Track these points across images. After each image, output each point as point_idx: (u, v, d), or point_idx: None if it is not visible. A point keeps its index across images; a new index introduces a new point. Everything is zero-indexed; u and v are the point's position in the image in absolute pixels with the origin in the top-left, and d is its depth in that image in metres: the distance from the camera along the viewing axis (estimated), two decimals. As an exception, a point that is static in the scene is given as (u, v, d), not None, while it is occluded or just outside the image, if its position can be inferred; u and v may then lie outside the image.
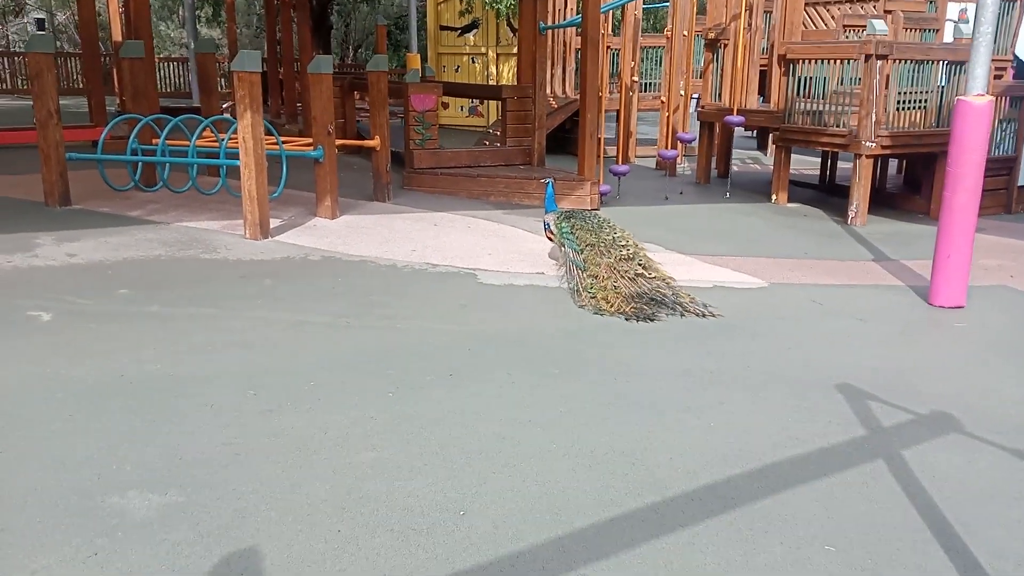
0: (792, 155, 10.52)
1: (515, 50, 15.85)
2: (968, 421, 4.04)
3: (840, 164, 11.95)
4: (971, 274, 7.09)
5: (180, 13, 29.74)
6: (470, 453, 3.48)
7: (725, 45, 10.81)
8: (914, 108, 9.54)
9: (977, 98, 5.87)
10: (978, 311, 5.98)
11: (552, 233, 6.55)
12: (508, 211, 8.77)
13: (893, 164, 12.69)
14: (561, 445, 3.59)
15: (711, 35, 10.89)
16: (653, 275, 5.82)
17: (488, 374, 4.37)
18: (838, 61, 9.52)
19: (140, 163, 7.96)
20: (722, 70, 10.92)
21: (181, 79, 22.80)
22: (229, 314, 5.16)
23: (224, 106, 11.05)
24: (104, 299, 5.33)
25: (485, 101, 15.76)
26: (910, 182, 11.07)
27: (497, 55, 16.09)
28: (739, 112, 10.34)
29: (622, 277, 5.75)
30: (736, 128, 10.94)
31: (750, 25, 10.39)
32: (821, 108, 9.71)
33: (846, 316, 5.75)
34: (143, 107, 8.14)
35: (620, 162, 10.12)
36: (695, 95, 13.18)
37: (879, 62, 8.91)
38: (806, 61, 9.72)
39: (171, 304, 5.30)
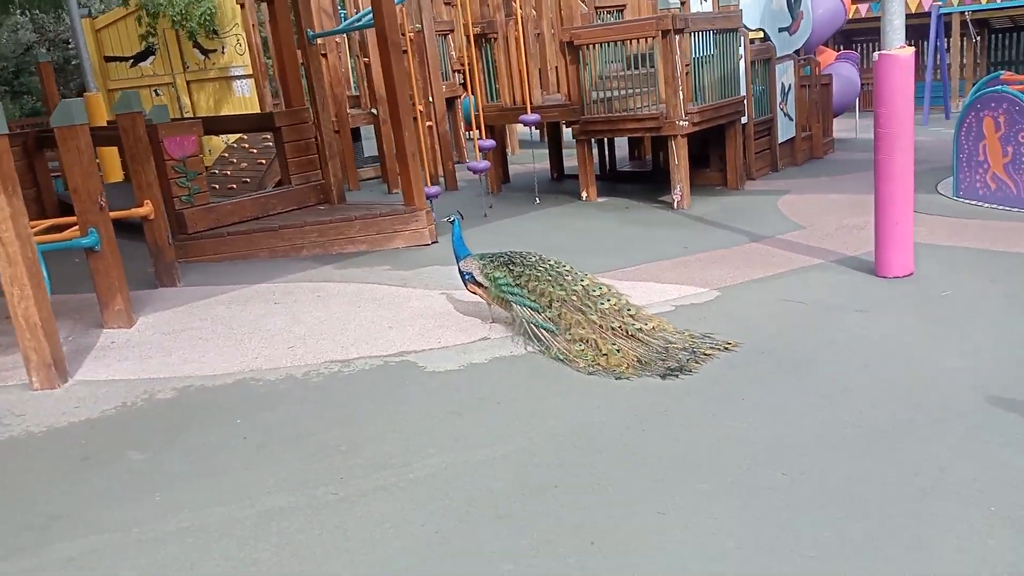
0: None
1: (210, 75, 13.56)
2: None
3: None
4: (856, 237, 6.94)
5: None
6: None
7: (494, 39, 9.82)
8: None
9: (901, 51, 5.49)
10: (933, 275, 5.66)
11: (479, 286, 5.07)
12: (340, 266, 6.98)
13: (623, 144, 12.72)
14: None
15: (476, 30, 9.82)
16: (650, 324, 4.62)
17: (628, 519, 2.92)
18: (608, 44, 8.98)
19: None
20: (495, 67, 9.93)
21: None
22: (135, 538, 3.05)
23: None
24: None
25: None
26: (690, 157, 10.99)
27: (188, 83, 13.57)
28: (533, 110, 9.45)
29: (619, 337, 4.48)
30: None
31: (521, 14, 9.50)
32: (613, 95, 9.16)
33: (843, 310, 5.08)
34: None
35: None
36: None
37: (677, 36, 8.53)
38: (593, 46, 9.08)
39: (16, 549, 3.02)
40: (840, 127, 13.88)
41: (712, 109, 9.04)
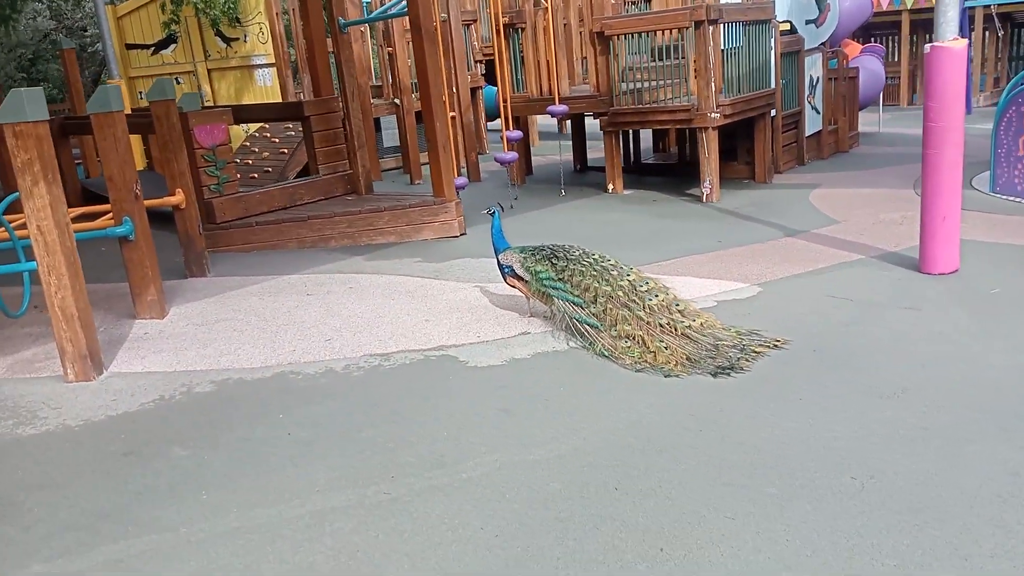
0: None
1: (231, 63, 13.46)
2: None
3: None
4: (895, 232, 6.81)
5: None
6: None
7: (522, 29, 9.69)
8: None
9: (953, 43, 5.35)
10: (978, 272, 5.53)
11: (519, 279, 4.97)
12: (370, 257, 6.89)
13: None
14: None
15: (504, 19, 9.68)
16: (699, 320, 4.51)
17: (696, 524, 2.82)
18: (637, 35, 8.85)
19: None
20: (523, 57, 9.81)
21: None
22: (184, 539, 2.96)
23: None
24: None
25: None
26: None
27: (209, 71, 13.48)
28: (561, 101, 9.33)
29: (667, 334, 4.37)
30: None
31: (551, 4, 9.38)
32: (642, 86, 9.02)
33: (890, 307, 4.96)
34: None
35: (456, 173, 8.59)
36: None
37: (711, 27, 8.39)
38: (624, 36, 8.95)
39: (62, 550, 2.95)
40: (863, 121, 13.70)
41: (743, 101, 8.91)
